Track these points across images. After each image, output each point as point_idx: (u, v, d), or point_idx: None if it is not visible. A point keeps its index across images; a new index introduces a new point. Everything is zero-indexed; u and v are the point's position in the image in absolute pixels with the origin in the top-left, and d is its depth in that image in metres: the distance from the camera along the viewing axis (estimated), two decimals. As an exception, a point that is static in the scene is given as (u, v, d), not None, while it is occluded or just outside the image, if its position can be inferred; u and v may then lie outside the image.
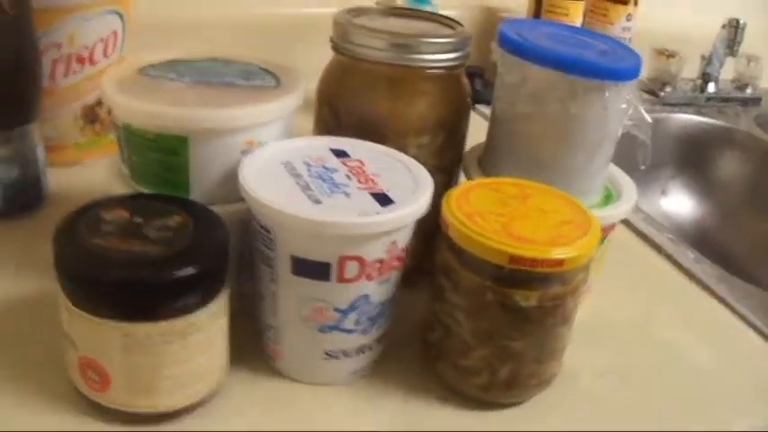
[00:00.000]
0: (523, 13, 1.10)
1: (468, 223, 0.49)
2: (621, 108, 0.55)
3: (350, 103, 0.57)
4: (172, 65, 0.56)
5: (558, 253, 0.47)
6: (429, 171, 0.56)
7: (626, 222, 0.78)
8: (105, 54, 0.69)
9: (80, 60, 0.68)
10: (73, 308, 0.45)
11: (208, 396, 0.49)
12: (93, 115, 0.71)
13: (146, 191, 0.53)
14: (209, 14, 0.92)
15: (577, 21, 1.04)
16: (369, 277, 0.49)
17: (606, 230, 0.59)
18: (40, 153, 0.63)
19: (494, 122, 0.60)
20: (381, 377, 0.54)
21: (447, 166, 0.59)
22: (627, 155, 0.61)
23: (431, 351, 0.54)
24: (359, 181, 0.50)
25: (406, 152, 0.55)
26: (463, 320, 0.50)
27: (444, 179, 0.58)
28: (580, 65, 0.53)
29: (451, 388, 0.53)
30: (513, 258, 0.47)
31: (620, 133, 0.57)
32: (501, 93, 0.58)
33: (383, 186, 0.50)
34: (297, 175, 0.50)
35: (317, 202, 0.47)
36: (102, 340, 0.45)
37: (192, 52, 0.59)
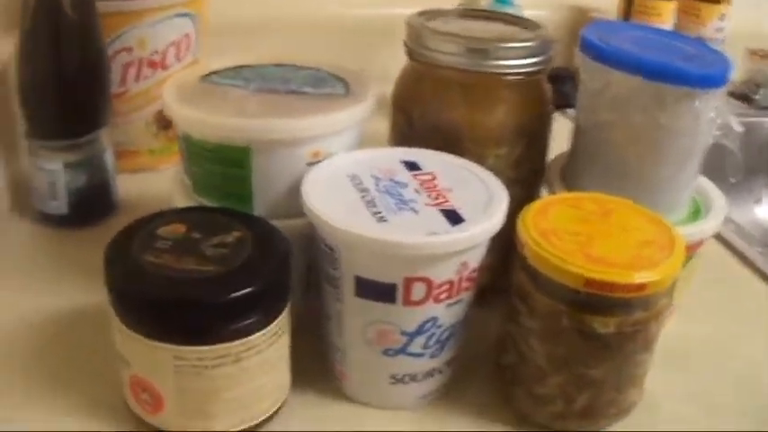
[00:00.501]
0: (614, 13, 1.05)
1: (542, 243, 0.45)
2: (710, 117, 0.51)
3: (424, 111, 0.54)
4: (237, 71, 0.54)
5: (638, 277, 0.44)
6: (506, 183, 0.53)
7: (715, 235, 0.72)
8: (178, 58, 0.68)
9: (152, 65, 0.67)
10: (123, 328, 0.44)
11: (267, 418, 0.47)
12: (166, 121, 0.69)
13: (207, 203, 0.51)
14: (286, 14, 0.90)
15: (669, 22, 0.98)
16: (437, 300, 0.46)
17: (693, 247, 0.54)
18: (109, 159, 0.62)
19: (577, 131, 0.56)
20: (451, 401, 0.51)
21: (526, 177, 0.56)
22: (716, 165, 0.57)
23: (505, 375, 0.51)
24: (429, 196, 0.47)
25: (483, 163, 0.52)
26: (537, 346, 0.47)
27: (523, 191, 0.54)
28: (667, 71, 0.49)
29: (524, 415, 0.50)
30: (589, 282, 0.43)
31: (709, 143, 0.53)
32: (583, 100, 0.55)
33: (454, 203, 0.47)
34: (363, 190, 0.47)
35: (383, 219, 0.45)
36: (154, 362, 0.44)
37: (260, 57, 0.57)
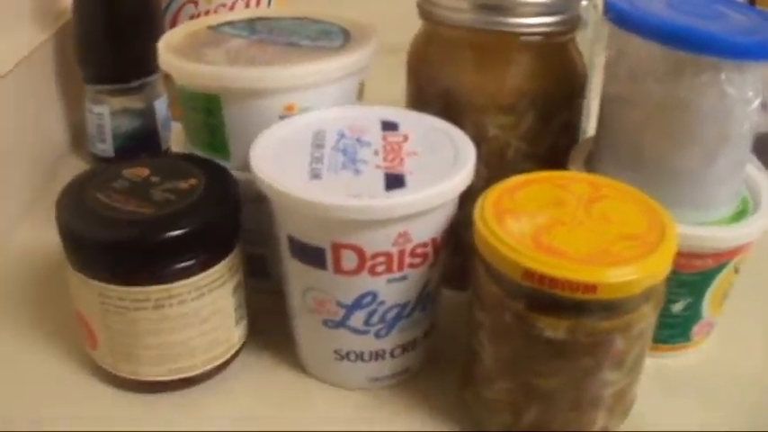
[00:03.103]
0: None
1: (492, 223, 0.39)
2: (748, 96, 0.41)
3: (432, 74, 0.49)
4: (250, 23, 0.53)
5: (590, 274, 0.36)
6: (518, 158, 0.47)
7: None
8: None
9: (218, 17, 0.66)
10: (65, 261, 0.44)
11: (203, 374, 0.45)
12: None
13: (196, 152, 0.50)
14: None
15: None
16: (373, 272, 0.41)
17: (727, 255, 0.45)
18: (161, 107, 0.63)
19: (600, 109, 0.48)
20: (409, 391, 0.46)
21: (544, 154, 0.48)
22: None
23: (461, 374, 0.45)
24: (385, 159, 0.43)
25: (485, 132, 0.46)
26: (486, 343, 0.41)
27: (541, 169, 0.46)
28: (687, 35, 0.40)
29: (476, 422, 0.43)
30: (528, 274, 0.37)
31: (751, 131, 0.42)
32: (605, 72, 0.46)
33: (408, 167, 0.42)
34: (318, 146, 0.44)
35: (317, 177, 0.41)
36: (86, 298, 0.44)
37: (285, 12, 0.55)
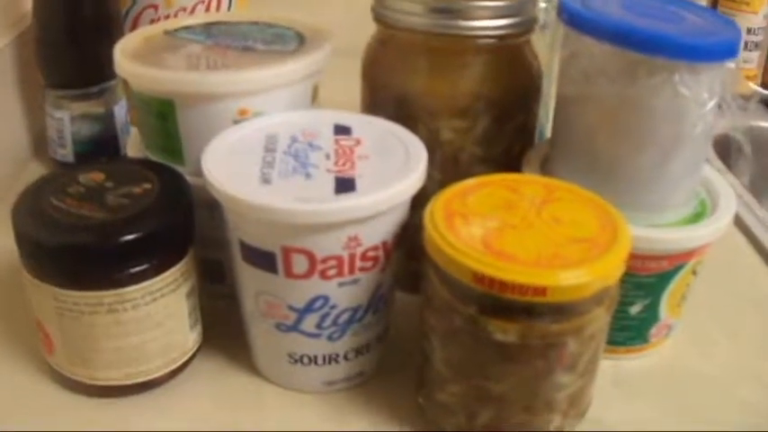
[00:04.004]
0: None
1: (441, 226, 0.39)
2: (703, 98, 0.41)
3: (386, 79, 0.49)
4: (207, 27, 0.52)
5: (539, 278, 0.36)
6: (472, 161, 0.46)
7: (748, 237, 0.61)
8: (207, 15, 0.66)
9: (177, 22, 0.65)
10: (21, 265, 0.43)
11: (158, 379, 0.45)
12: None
13: (150, 156, 0.49)
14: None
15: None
16: (324, 276, 0.41)
17: (684, 257, 0.45)
18: (120, 112, 0.63)
19: (555, 111, 0.48)
20: (364, 395, 0.46)
21: (499, 157, 0.48)
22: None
23: (415, 377, 0.44)
24: (336, 163, 0.42)
25: (438, 136, 0.46)
26: (437, 345, 0.41)
27: (495, 172, 0.46)
28: (640, 36, 0.40)
29: (429, 423, 0.43)
30: (477, 277, 0.36)
31: (706, 132, 0.42)
32: (559, 73, 0.46)
33: (358, 171, 0.42)
34: (269, 151, 0.43)
35: (266, 182, 0.41)
36: (41, 303, 0.43)
37: (241, 16, 0.54)
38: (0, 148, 0.63)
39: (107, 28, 0.60)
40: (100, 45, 0.59)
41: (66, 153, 0.62)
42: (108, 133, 0.62)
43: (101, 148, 0.62)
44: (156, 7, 0.64)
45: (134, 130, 0.58)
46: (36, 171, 0.65)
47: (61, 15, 0.59)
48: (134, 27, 0.65)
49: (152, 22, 0.65)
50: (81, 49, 0.60)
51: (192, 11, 0.65)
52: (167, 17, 0.65)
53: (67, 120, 0.60)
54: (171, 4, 0.64)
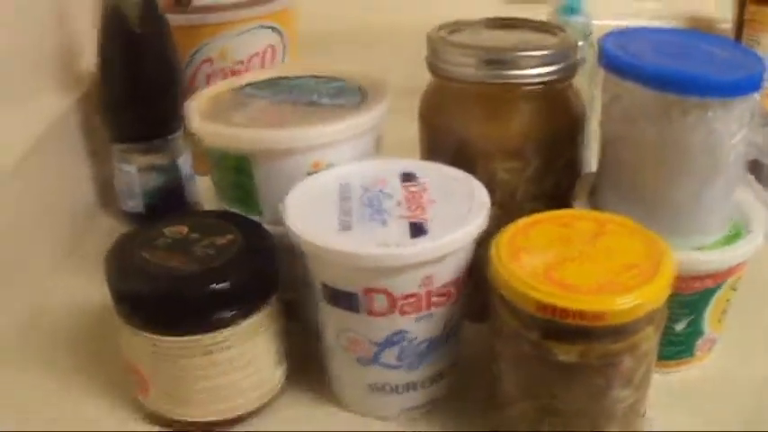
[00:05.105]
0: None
1: (507, 261, 0.46)
2: (734, 130, 0.48)
3: (444, 125, 0.56)
4: (271, 83, 0.60)
5: (597, 304, 0.43)
6: (526, 199, 0.53)
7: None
8: (263, 68, 0.75)
9: (236, 74, 0.73)
10: (116, 315, 0.50)
11: (247, 414, 0.52)
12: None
13: (226, 207, 0.57)
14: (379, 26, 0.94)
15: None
16: (403, 312, 0.48)
17: (723, 275, 0.51)
18: (185, 163, 0.70)
19: (600, 147, 0.55)
20: (440, 418, 0.52)
21: (549, 193, 0.55)
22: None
23: (486, 398, 0.51)
24: (408, 208, 0.49)
25: (494, 177, 0.53)
26: (505, 369, 0.48)
27: (547, 207, 0.53)
28: (671, 78, 0.47)
29: (502, 439, 0.50)
30: (541, 306, 0.43)
31: (738, 160, 0.49)
32: (602, 113, 0.53)
33: (428, 215, 0.49)
34: (345, 199, 0.51)
35: (347, 228, 0.48)
36: (137, 349, 0.50)
37: (300, 69, 0.62)
38: (70, 203, 0.70)
39: (169, 82, 0.68)
40: (163, 99, 0.67)
41: (136, 204, 0.69)
42: (174, 184, 0.69)
43: (168, 198, 0.70)
44: (211, 61, 0.72)
45: (204, 181, 0.65)
46: (104, 223, 0.73)
47: (124, 73, 0.66)
48: (192, 81, 0.74)
49: (209, 76, 0.73)
50: (145, 104, 0.67)
51: (248, 63, 0.73)
52: (222, 70, 0.73)
53: (135, 172, 0.68)
54: (225, 58, 0.72)
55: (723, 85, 0.47)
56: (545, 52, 0.53)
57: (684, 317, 0.53)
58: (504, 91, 0.53)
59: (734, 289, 0.54)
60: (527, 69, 0.53)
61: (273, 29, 0.75)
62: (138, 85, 0.67)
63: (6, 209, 0.60)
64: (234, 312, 0.49)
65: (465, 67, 0.53)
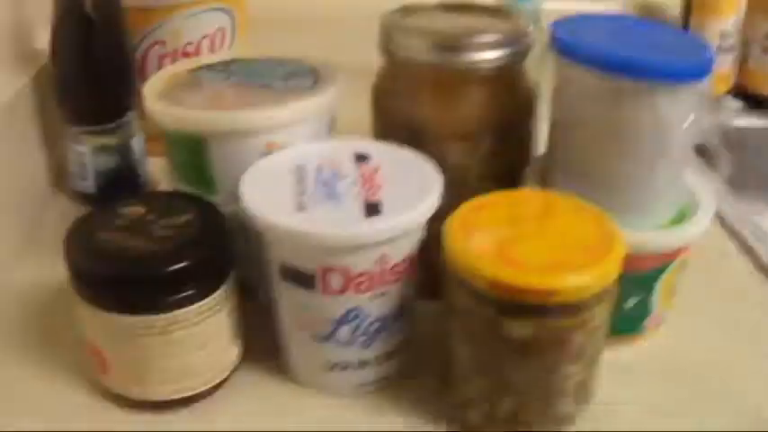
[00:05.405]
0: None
1: (460, 240, 0.47)
2: (682, 115, 0.50)
3: (396, 108, 0.58)
4: (227, 65, 0.61)
5: (549, 282, 0.45)
6: (478, 179, 0.55)
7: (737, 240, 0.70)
8: (212, 51, 0.76)
9: (186, 56, 0.74)
10: (74, 294, 0.51)
11: (205, 392, 0.53)
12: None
13: (181, 188, 0.58)
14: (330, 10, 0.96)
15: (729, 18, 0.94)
16: (358, 290, 0.49)
17: (670, 256, 0.54)
18: (137, 144, 0.71)
19: (550, 129, 0.57)
20: (393, 395, 0.54)
21: (502, 173, 0.57)
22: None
23: (440, 376, 0.53)
24: (362, 188, 0.51)
25: (446, 158, 0.55)
26: (459, 346, 0.50)
27: (498, 188, 0.54)
28: (621, 63, 0.49)
29: (456, 417, 0.52)
30: (495, 284, 0.45)
31: (686, 144, 0.51)
32: (552, 97, 0.55)
33: (382, 196, 0.50)
34: (300, 181, 0.52)
35: (302, 209, 0.49)
36: (97, 329, 0.51)
37: (257, 52, 0.63)
38: (23, 184, 0.70)
39: (122, 65, 0.68)
40: (116, 81, 0.68)
41: (89, 185, 0.69)
42: (127, 165, 0.70)
43: (120, 178, 0.70)
44: (163, 43, 0.73)
45: (157, 162, 0.66)
46: (59, 203, 0.74)
47: (78, 56, 0.66)
48: (143, 62, 0.74)
49: (160, 57, 0.74)
50: (98, 86, 0.67)
51: (198, 46, 0.74)
52: (175, 51, 0.73)
53: (88, 153, 0.68)
54: (177, 40, 0.73)
55: (671, 71, 0.50)
56: (497, 37, 0.55)
57: (634, 295, 0.56)
58: (456, 74, 0.55)
59: (681, 269, 0.57)
60: (479, 53, 0.54)
61: (225, 11, 0.75)
62: (90, 68, 0.67)
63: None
64: (192, 292, 0.50)
65: (417, 50, 0.55)
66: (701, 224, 0.54)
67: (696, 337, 0.60)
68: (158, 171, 0.71)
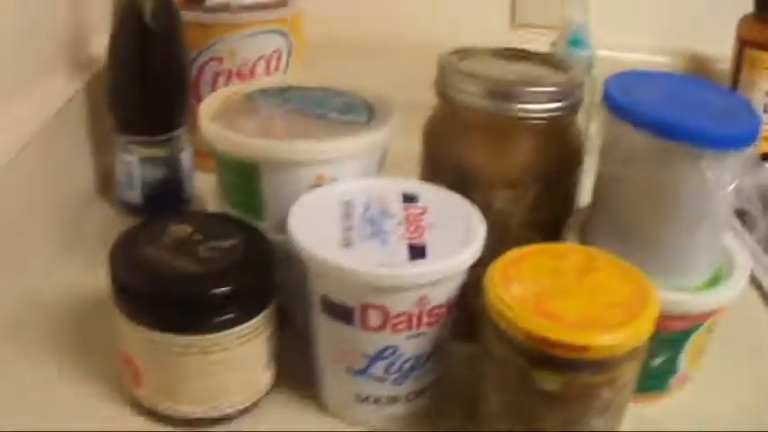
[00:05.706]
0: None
1: (500, 289, 0.49)
2: (725, 180, 0.52)
3: (445, 150, 0.60)
4: (282, 92, 0.63)
5: (583, 338, 0.46)
6: (520, 226, 0.57)
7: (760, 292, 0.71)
8: (268, 72, 0.78)
9: (240, 76, 0.77)
10: (115, 308, 0.53)
11: (235, 413, 0.55)
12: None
13: (228, 211, 0.60)
14: (387, 33, 0.98)
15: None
16: (395, 329, 0.51)
17: (702, 317, 0.55)
18: (186, 158, 0.73)
19: (595, 183, 0.59)
20: (421, 430, 0.56)
21: (544, 222, 0.59)
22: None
23: (466, 415, 0.55)
24: (407, 229, 0.53)
25: (491, 204, 0.57)
26: (490, 390, 0.51)
27: (540, 236, 0.57)
28: (672, 127, 0.51)
29: (480, 457, 0.54)
30: (529, 335, 0.47)
31: (727, 208, 0.53)
32: (600, 152, 0.57)
33: (428, 238, 0.52)
34: (348, 216, 0.54)
35: (348, 245, 0.51)
36: (135, 342, 0.53)
37: (311, 80, 0.65)
38: (69, 189, 0.73)
39: (177, 78, 0.71)
40: (171, 94, 0.70)
41: (135, 194, 0.72)
42: (174, 177, 0.72)
43: (166, 191, 0.72)
44: (220, 60, 0.75)
45: (202, 177, 0.68)
46: (103, 210, 0.76)
47: (134, 65, 0.69)
48: (198, 77, 0.76)
49: (215, 74, 0.76)
50: (153, 97, 0.70)
51: (254, 66, 0.76)
52: (229, 70, 0.76)
53: (136, 163, 0.71)
54: (233, 59, 0.75)
55: (719, 138, 0.51)
56: (552, 89, 0.57)
57: (662, 354, 0.57)
58: (508, 123, 0.57)
59: (711, 330, 0.58)
60: (533, 104, 0.56)
61: (282, 33, 0.78)
62: (146, 79, 0.69)
63: (7, 194, 0.62)
64: (233, 315, 0.52)
65: (472, 96, 0.57)
66: (735, 287, 0.56)
67: (722, 396, 0.61)
68: (205, 187, 0.73)
